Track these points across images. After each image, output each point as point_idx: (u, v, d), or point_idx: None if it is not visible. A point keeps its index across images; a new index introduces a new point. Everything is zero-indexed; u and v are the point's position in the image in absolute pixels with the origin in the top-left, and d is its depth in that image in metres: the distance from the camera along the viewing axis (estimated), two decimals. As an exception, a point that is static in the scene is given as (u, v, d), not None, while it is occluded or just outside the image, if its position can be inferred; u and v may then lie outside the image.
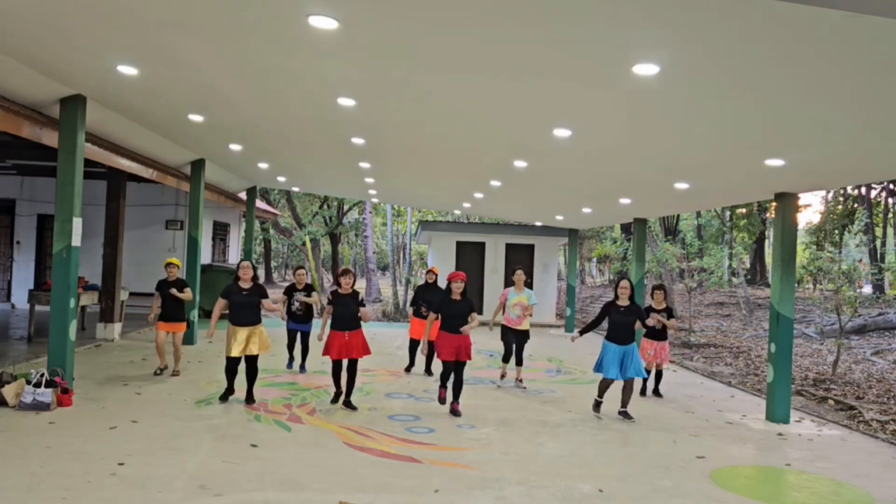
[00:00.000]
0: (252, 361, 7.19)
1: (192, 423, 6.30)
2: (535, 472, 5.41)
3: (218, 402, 7.14)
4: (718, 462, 5.97)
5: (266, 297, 7.31)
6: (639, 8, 3.52)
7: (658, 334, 8.59)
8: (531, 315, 8.98)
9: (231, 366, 7.14)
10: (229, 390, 7.21)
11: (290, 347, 9.36)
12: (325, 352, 7.06)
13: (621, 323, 7.33)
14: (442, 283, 9.43)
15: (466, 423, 6.90)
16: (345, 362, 7.19)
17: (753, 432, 7.26)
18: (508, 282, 9.32)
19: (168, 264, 8.54)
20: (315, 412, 7.01)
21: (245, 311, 7.09)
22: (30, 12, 4.62)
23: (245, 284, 7.16)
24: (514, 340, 8.90)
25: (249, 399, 7.16)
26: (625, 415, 7.42)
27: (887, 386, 10.71)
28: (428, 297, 9.46)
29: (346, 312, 7.07)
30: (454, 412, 7.16)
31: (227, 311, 7.23)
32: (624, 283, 7.48)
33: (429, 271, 9.99)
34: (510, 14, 3.78)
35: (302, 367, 9.26)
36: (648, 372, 8.56)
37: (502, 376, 9.22)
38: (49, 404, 6.43)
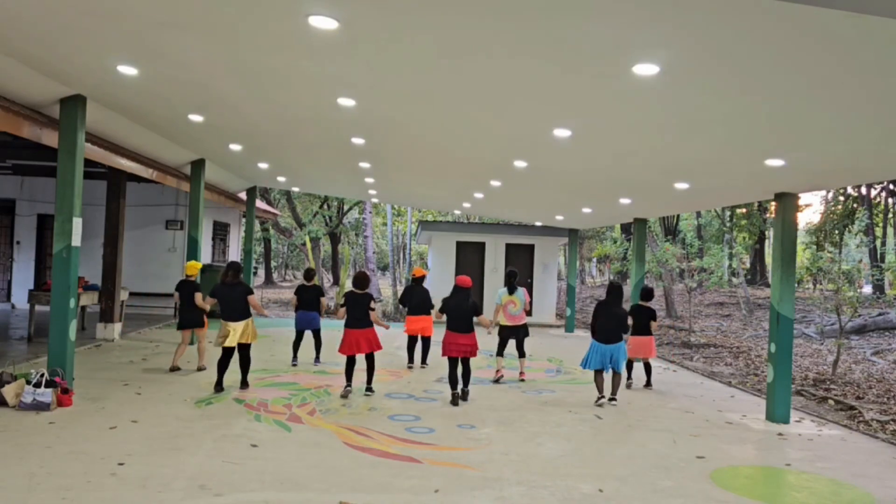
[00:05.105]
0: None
1: (192, 423, 6.30)
2: (535, 472, 5.41)
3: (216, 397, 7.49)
4: (718, 462, 5.97)
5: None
6: (639, 8, 3.52)
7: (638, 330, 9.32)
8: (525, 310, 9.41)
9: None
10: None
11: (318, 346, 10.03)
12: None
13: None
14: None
15: (466, 423, 6.91)
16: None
17: (753, 432, 7.26)
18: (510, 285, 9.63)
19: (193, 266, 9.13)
20: (315, 412, 7.01)
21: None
22: (30, 12, 4.62)
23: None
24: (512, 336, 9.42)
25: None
26: (612, 400, 8.16)
27: (887, 386, 10.71)
28: (414, 301, 10.03)
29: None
30: (463, 395, 7.90)
31: (216, 308, 8.01)
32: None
33: (413, 274, 10.45)
34: (510, 14, 3.78)
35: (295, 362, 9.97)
36: (631, 364, 9.44)
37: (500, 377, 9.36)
38: (49, 404, 6.44)
